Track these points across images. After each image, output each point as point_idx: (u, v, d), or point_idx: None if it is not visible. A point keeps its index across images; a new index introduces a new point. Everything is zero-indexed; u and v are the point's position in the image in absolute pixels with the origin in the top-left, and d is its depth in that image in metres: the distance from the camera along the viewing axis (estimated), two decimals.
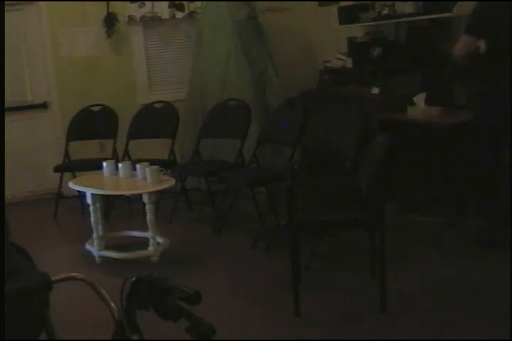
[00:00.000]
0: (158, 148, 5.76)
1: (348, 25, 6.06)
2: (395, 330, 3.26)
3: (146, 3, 6.24)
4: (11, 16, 5.88)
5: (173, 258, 4.51)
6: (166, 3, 6.26)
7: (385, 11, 5.60)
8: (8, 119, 5.73)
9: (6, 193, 4.53)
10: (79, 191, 4.69)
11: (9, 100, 5.88)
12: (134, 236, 4.80)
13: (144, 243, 4.51)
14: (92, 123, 6.00)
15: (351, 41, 6.10)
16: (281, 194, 3.65)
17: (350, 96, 5.72)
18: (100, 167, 4.69)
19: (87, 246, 4.60)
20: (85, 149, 5.97)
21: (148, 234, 4.46)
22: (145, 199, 4.34)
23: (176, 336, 2.01)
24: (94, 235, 4.49)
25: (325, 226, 3.75)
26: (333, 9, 6.23)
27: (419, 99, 5.08)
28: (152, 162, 4.58)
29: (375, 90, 5.50)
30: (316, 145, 4.77)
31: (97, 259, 4.48)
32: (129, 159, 5.50)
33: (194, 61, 6.15)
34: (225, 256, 4.53)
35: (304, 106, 5.19)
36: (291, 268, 3.43)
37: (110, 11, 6.16)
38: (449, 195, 4.73)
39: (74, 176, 5.48)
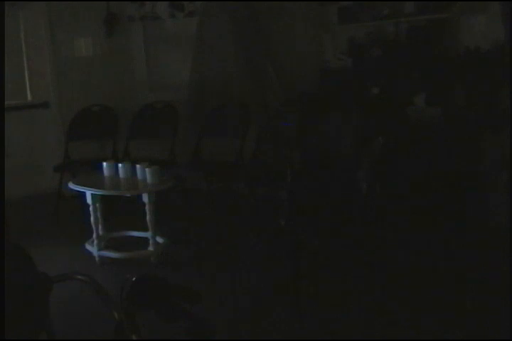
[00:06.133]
0: (158, 148, 5.76)
1: (348, 25, 6.05)
2: None
3: (146, 3, 6.24)
4: (11, 16, 5.88)
5: (173, 258, 4.51)
6: (166, 3, 6.26)
7: (385, 11, 5.60)
8: (8, 119, 5.73)
9: (5, 193, 4.54)
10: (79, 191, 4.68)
11: (9, 100, 5.88)
12: (134, 236, 4.80)
13: (144, 243, 4.51)
14: (92, 123, 6.00)
15: (351, 41, 6.10)
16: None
17: (350, 97, 5.72)
18: (100, 167, 4.69)
19: (87, 246, 4.60)
20: (85, 149, 5.97)
21: (148, 234, 4.46)
22: (145, 199, 4.34)
23: (176, 336, 2.01)
24: (94, 235, 4.49)
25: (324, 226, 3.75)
26: (333, 9, 6.22)
27: (419, 99, 5.08)
28: (152, 162, 4.58)
29: (375, 90, 5.50)
30: (316, 145, 4.77)
31: (97, 259, 4.48)
32: (129, 159, 5.50)
33: (194, 61, 6.14)
34: (225, 256, 4.53)
35: (304, 106, 5.19)
36: (291, 269, 3.43)
37: (110, 10, 6.15)
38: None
39: (74, 176, 5.48)
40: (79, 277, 1.92)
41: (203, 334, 1.63)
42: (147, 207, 4.36)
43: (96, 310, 2.22)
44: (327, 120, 5.21)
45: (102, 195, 4.50)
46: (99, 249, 4.48)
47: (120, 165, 4.59)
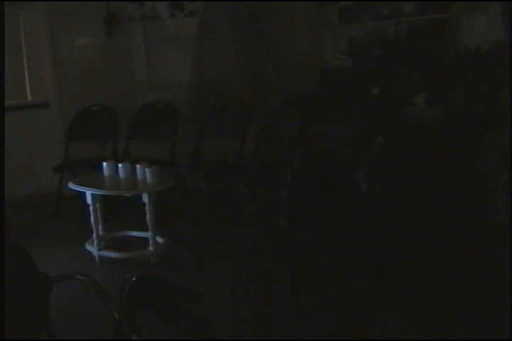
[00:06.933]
0: (158, 148, 5.76)
1: (348, 25, 6.05)
2: None
3: (146, 3, 6.24)
4: (11, 16, 5.88)
5: (173, 258, 4.51)
6: (166, 3, 6.26)
7: (385, 11, 5.60)
8: (8, 119, 5.73)
9: (6, 193, 4.55)
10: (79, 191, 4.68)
11: (9, 100, 5.88)
12: (134, 236, 4.80)
13: (144, 243, 4.51)
14: (92, 123, 6.00)
15: (351, 41, 6.10)
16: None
17: (350, 97, 5.72)
18: (100, 167, 4.69)
19: (87, 246, 4.60)
20: (85, 149, 5.97)
21: (148, 234, 4.46)
22: (145, 199, 4.34)
23: (176, 336, 2.01)
24: (94, 235, 4.49)
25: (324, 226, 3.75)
26: (333, 9, 6.22)
27: (419, 99, 5.08)
28: (152, 162, 4.58)
29: (375, 90, 5.50)
30: (316, 145, 4.77)
31: (97, 259, 4.48)
32: (129, 159, 5.50)
33: (194, 61, 6.14)
34: (225, 256, 4.53)
35: (304, 106, 5.20)
36: (291, 269, 3.43)
37: (110, 10, 6.15)
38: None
39: (74, 176, 5.48)
40: (79, 277, 1.92)
41: (203, 334, 1.64)
42: (147, 207, 4.36)
43: (96, 310, 2.22)
44: (327, 120, 5.22)
45: (102, 195, 4.50)
46: (99, 249, 4.48)
47: (120, 165, 4.59)
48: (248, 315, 3.53)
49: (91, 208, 4.48)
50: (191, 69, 6.17)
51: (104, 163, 4.67)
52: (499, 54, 4.78)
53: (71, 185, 4.55)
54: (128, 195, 4.61)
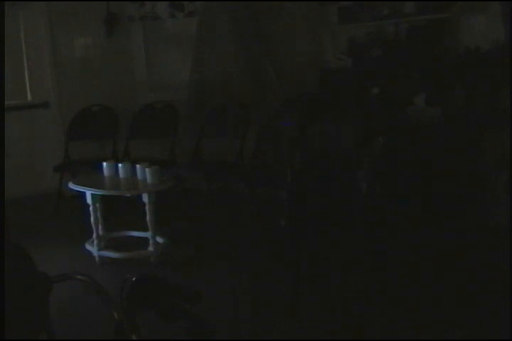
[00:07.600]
0: (158, 148, 5.76)
1: (348, 25, 6.05)
2: None
3: (146, 3, 6.24)
4: (11, 16, 5.88)
5: (173, 258, 4.51)
6: (166, 3, 6.26)
7: (385, 11, 5.60)
8: (8, 119, 5.73)
9: (5, 193, 4.55)
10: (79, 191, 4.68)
11: (9, 100, 5.88)
12: (134, 236, 4.80)
13: (144, 243, 4.51)
14: (92, 123, 6.00)
15: (351, 41, 6.10)
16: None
17: (350, 97, 5.72)
18: (100, 167, 4.69)
19: (87, 246, 4.60)
20: (85, 149, 5.97)
21: (148, 234, 4.46)
22: (145, 199, 4.34)
23: (176, 336, 2.01)
24: (94, 235, 4.49)
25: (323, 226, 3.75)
26: (333, 9, 6.22)
27: (419, 99, 5.08)
28: (152, 162, 4.58)
29: (375, 90, 5.50)
30: (316, 145, 4.77)
31: (97, 259, 4.48)
32: (129, 159, 5.50)
33: (194, 61, 6.14)
34: (225, 256, 4.53)
35: (304, 106, 5.19)
36: (291, 269, 3.43)
37: (110, 10, 6.16)
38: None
39: (74, 176, 5.48)
40: (79, 277, 1.93)
41: (203, 334, 1.64)
42: (147, 207, 4.36)
43: (96, 310, 2.22)
44: (327, 120, 5.21)
45: (102, 195, 4.50)
46: (99, 249, 4.48)
47: (120, 165, 4.59)
48: (248, 315, 3.53)
49: (91, 208, 4.48)
50: (191, 69, 6.16)
51: (104, 163, 4.67)
52: (499, 54, 4.78)
53: (71, 185, 4.55)
54: (128, 195, 4.61)
